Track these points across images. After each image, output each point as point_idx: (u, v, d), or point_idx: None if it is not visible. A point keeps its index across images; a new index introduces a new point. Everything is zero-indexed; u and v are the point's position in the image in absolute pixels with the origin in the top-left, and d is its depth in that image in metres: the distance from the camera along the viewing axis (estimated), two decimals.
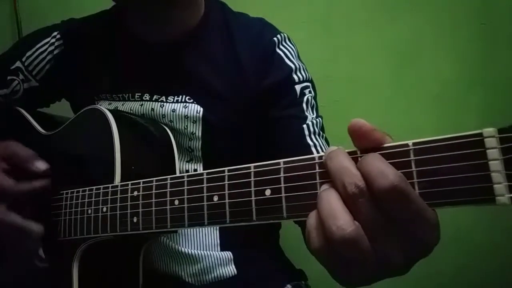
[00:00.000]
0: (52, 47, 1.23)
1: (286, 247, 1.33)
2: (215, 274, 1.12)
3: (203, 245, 1.12)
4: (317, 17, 1.89)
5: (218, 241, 1.13)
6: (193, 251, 1.11)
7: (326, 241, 0.53)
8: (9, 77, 1.22)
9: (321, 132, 1.11)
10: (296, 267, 1.30)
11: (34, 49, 1.22)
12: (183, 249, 1.10)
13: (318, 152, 1.06)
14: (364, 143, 0.55)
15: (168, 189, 0.74)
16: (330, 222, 0.51)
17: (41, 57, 1.22)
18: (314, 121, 1.10)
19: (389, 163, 0.51)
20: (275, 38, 1.15)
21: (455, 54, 1.90)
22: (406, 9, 1.89)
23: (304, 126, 1.08)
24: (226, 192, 0.65)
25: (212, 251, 1.13)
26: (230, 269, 1.13)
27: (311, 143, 1.07)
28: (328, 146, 1.11)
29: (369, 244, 0.51)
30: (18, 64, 1.22)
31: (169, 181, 0.74)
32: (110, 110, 0.99)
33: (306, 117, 1.10)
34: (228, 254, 1.14)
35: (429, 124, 1.86)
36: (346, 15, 1.89)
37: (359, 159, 0.54)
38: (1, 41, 1.27)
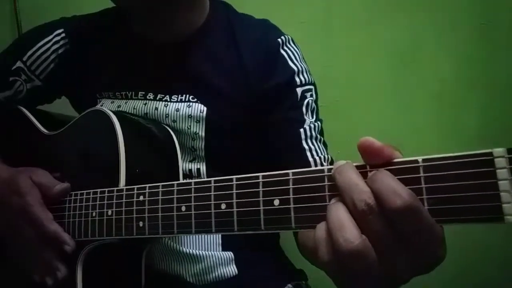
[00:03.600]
0: (56, 46, 1.23)
1: (286, 247, 1.34)
2: (216, 274, 1.13)
3: (205, 245, 1.13)
4: (317, 17, 1.89)
5: (220, 241, 1.14)
6: (194, 251, 1.11)
7: (334, 253, 0.53)
8: (11, 78, 1.21)
9: (318, 136, 1.12)
10: (297, 267, 1.31)
11: (35, 48, 1.21)
12: (184, 249, 1.11)
13: (313, 157, 1.08)
14: (374, 160, 0.56)
15: (175, 196, 0.74)
16: (338, 235, 0.52)
17: (44, 56, 1.22)
18: (312, 125, 1.11)
19: (399, 178, 0.52)
20: (279, 40, 1.16)
21: (455, 54, 1.90)
22: (406, 9, 1.89)
23: (301, 130, 1.09)
24: (234, 200, 0.65)
25: (213, 251, 1.13)
26: (231, 269, 1.14)
27: (306, 147, 1.08)
28: (326, 150, 1.12)
29: (376, 258, 0.52)
30: (19, 64, 1.21)
31: (176, 188, 0.74)
32: (114, 112, 0.99)
33: (304, 121, 1.11)
34: (229, 254, 1.14)
35: (429, 124, 1.86)
36: (346, 15, 1.89)
37: (369, 173, 0.54)
38: (1, 41, 1.27)
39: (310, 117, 1.12)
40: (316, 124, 1.12)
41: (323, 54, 1.88)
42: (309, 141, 1.09)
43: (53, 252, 0.93)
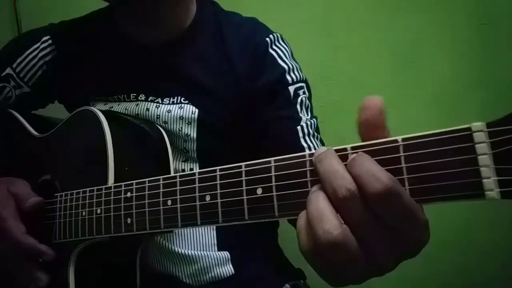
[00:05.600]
0: (43, 53, 1.22)
1: (284, 246, 1.33)
2: (213, 274, 1.12)
3: (200, 245, 1.12)
4: (317, 17, 1.89)
5: (215, 241, 1.13)
6: (190, 252, 1.10)
7: (314, 244, 0.52)
8: (0, 84, 1.21)
9: (315, 133, 1.10)
10: (295, 266, 1.29)
11: (24, 55, 1.21)
12: (180, 249, 1.10)
13: None
14: (368, 125, 0.55)
15: (161, 190, 0.73)
16: (317, 225, 0.51)
17: (32, 63, 1.22)
18: (309, 122, 1.09)
19: (379, 159, 0.51)
20: (267, 39, 1.14)
21: (455, 54, 1.90)
22: (406, 9, 1.90)
23: (298, 127, 1.08)
24: (218, 191, 0.64)
25: (209, 251, 1.12)
26: (228, 269, 1.13)
27: (305, 145, 1.06)
28: None
29: (358, 247, 0.51)
30: (8, 70, 1.21)
31: (161, 182, 0.74)
32: (102, 111, 0.99)
33: (300, 119, 1.09)
34: (226, 254, 1.13)
35: (429, 124, 1.84)
36: (346, 15, 1.89)
37: (349, 156, 0.53)
38: (1, 41, 1.27)
39: (306, 115, 1.11)
40: (312, 121, 1.11)
41: (323, 54, 1.88)
42: (307, 138, 1.07)
43: (32, 263, 0.94)
